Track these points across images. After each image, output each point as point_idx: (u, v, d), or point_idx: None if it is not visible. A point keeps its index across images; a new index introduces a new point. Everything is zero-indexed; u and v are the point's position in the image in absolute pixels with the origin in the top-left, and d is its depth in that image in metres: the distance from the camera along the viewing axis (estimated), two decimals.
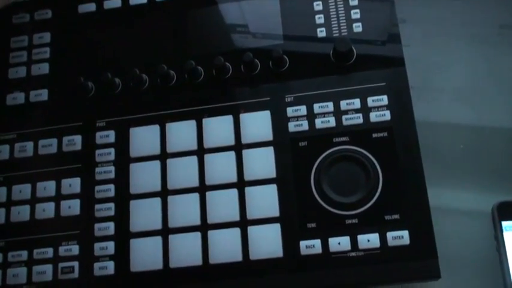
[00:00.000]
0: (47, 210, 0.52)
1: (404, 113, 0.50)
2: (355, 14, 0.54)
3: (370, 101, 0.51)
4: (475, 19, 0.62)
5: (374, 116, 0.50)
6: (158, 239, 0.50)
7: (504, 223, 0.49)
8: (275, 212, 0.49)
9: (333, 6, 0.54)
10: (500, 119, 0.57)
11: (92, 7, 0.57)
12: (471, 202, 0.52)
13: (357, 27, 0.53)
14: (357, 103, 0.51)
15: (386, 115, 0.50)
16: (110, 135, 0.53)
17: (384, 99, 0.51)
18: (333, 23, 0.54)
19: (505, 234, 0.49)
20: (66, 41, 0.57)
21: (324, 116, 0.51)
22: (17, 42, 0.57)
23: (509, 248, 0.48)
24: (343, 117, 0.51)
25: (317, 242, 0.48)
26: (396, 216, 0.47)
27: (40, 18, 0.58)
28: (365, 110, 0.51)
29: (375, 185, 0.48)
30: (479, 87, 0.58)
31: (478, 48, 0.60)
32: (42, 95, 0.56)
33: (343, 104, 0.51)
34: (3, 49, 0.57)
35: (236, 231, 0.49)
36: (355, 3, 0.54)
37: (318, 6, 0.54)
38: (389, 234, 0.47)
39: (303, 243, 0.48)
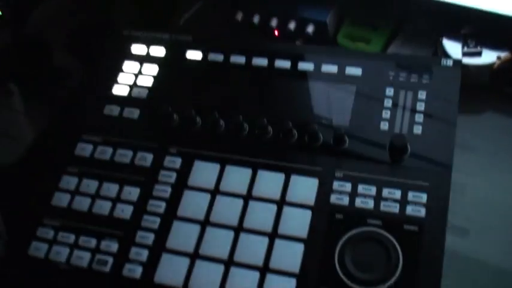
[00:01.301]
0: (103, 207, 0.59)
1: (438, 215, 0.54)
2: (419, 117, 0.59)
3: (411, 195, 0.55)
4: None
5: (410, 209, 0.54)
6: (186, 260, 0.55)
7: None
8: (295, 268, 0.53)
9: (401, 106, 0.60)
10: None
11: (198, 55, 0.68)
12: None
13: (417, 129, 0.58)
14: (397, 194, 0.55)
15: (422, 212, 0.54)
16: (177, 162, 0.61)
17: (423, 197, 0.55)
18: (397, 120, 0.59)
19: None
20: (168, 77, 0.67)
21: (365, 197, 0.56)
22: (129, 67, 0.68)
23: None
24: (382, 203, 0.55)
25: None
26: None
27: (154, 54, 0.69)
28: (403, 201, 0.55)
29: (393, 272, 0.51)
30: None
31: None
32: (134, 113, 0.65)
33: (385, 192, 0.56)
34: (117, 67, 0.68)
35: (255, 275, 0.53)
36: (422, 108, 0.60)
37: (387, 103, 0.61)
38: None
39: None
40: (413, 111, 0.60)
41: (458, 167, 0.59)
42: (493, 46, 0.66)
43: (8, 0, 0.79)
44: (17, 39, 0.78)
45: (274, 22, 0.72)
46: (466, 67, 0.64)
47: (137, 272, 0.55)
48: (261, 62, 0.66)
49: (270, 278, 0.53)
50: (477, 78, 0.65)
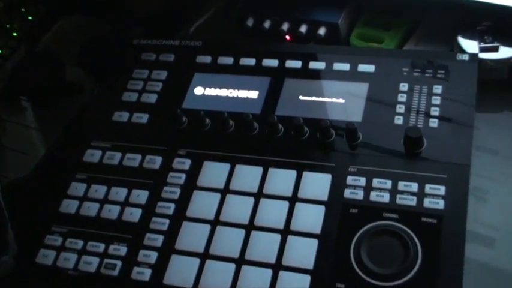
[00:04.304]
0: (112, 211, 0.61)
1: (458, 208, 0.54)
2: (434, 111, 0.60)
3: (428, 188, 0.56)
4: None
5: (428, 202, 0.55)
6: (196, 261, 0.56)
7: None
8: (309, 264, 0.54)
9: (416, 101, 0.61)
10: None
11: (207, 59, 0.70)
12: None
13: (433, 123, 0.60)
14: (414, 187, 0.56)
15: (440, 204, 0.54)
16: (186, 163, 0.62)
17: (442, 190, 0.55)
18: (412, 114, 0.61)
19: None
20: (178, 80, 0.69)
21: (380, 191, 0.56)
22: (139, 74, 0.71)
23: None
24: (398, 196, 0.56)
25: None
26: None
27: (164, 59, 0.72)
28: (420, 194, 0.55)
29: (412, 265, 0.52)
30: None
31: None
32: (143, 118, 0.67)
33: (401, 185, 0.56)
34: (127, 76, 0.71)
35: (268, 272, 0.54)
36: (437, 102, 0.61)
37: (402, 98, 0.62)
38: None
39: None
40: (429, 105, 0.61)
41: (478, 170, 0.60)
42: (511, 41, 0.67)
43: (24, 23, 0.84)
44: (29, 56, 0.82)
45: (285, 26, 0.74)
46: (484, 63, 0.65)
47: (146, 274, 0.56)
48: (271, 63, 0.68)
49: (283, 275, 0.54)
50: (495, 74, 0.66)
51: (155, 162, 0.63)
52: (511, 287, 0.56)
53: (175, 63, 0.71)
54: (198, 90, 0.68)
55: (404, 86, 0.63)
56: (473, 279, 0.54)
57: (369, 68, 0.65)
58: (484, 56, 0.65)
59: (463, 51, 0.67)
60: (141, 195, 0.61)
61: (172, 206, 0.60)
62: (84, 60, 0.81)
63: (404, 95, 0.62)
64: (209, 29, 0.79)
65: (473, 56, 0.64)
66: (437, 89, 0.62)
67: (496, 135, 0.65)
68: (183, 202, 0.60)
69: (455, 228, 0.53)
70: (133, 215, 0.60)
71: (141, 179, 0.62)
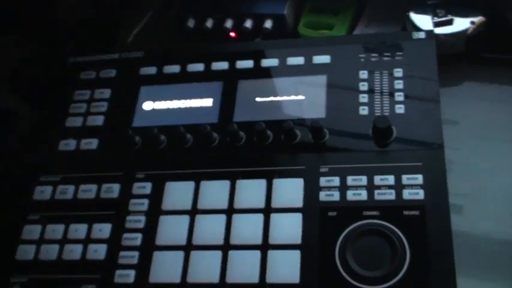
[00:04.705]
0: (74, 251, 0.56)
1: (438, 194, 0.52)
2: (399, 96, 0.58)
3: (405, 178, 0.54)
4: None
5: (407, 194, 0.53)
6: None
7: None
8: (295, 278, 0.51)
9: (379, 88, 0.59)
10: None
11: (152, 70, 0.66)
12: None
13: (399, 109, 0.57)
14: (390, 179, 0.54)
15: (420, 194, 0.52)
16: (147, 187, 0.58)
17: (419, 179, 0.53)
18: (376, 102, 0.58)
19: None
20: (124, 97, 0.65)
21: (356, 189, 0.54)
22: (80, 95, 0.66)
23: None
24: (376, 191, 0.54)
25: None
26: None
27: (105, 76, 0.67)
28: (398, 187, 0.53)
29: (401, 262, 0.50)
30: None
31: None
32: (92, 143, 0.62)
33: (377, 179, 0.54)
34: (67, 99, 0.66)
35: None
36: (400, 86, 0.59)
37: (363, 86, 0.59)
38: None
39: None
40: (392, 90, 0.59)
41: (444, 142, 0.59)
42: (464, 12, 0.65)
43: None
44: None
45: (229, 23, 0.71)
46: (439, 38, 0.63)
47: None
48: (221, 65, 0.64)
49: None
50: (452, 48, 0.64)
51: (113, 190, 0.59)
52: (481, 251, 0.56)
53: (118, 79, 0.67)
54: (147, 105, 0.64)
55: (364, 74, 0.60)
56: None
57: (325, 59, 0.62)
58: (438, 30, 0.64)
59: (416, 28, 0.65)
60: (104, 229, 0.57)
61: (139, 236, 0.56)
62: (17, 85, 0.76)
63: (366, 83, 0.60)
64: (148, 35, 0.74)
65: (430, 33, 0.62)
66: (398, 72, 0.60)
67: (455, 106, 0.64)
68: (150, 230, 0.56)
69: (439, 217, 0.51)
70: (98, 252, 0.56)
71: (101, 211, 0.58)
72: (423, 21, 0.64)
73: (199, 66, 0.65)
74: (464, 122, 0.64)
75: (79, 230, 0.57)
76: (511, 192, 0.59)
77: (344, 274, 0.50)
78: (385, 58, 0.61)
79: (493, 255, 0.56)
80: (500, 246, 0.56)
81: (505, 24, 0.66)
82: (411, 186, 0.53)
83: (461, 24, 0.63)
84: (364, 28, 0.69)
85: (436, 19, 0.64)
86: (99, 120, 0.64)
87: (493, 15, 0.65)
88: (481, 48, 0.66)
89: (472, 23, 0.63)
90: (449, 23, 0.64)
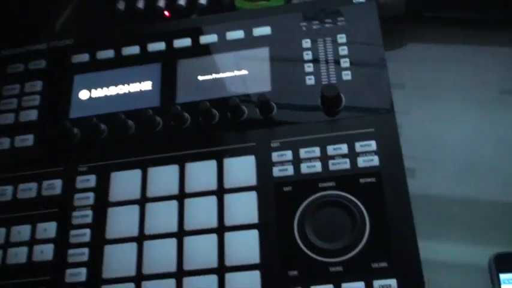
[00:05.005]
0: (19, 255, 0.53)
1: (393, 159, 0.52)
2: (345, 62, 0.57)
3: (358, 146, 0.53)
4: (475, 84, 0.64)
5: (361, 161, 0.52)
6: (131, 286, 0.50)
7: (502, 276, 0.48)
8: (255, 258, 0.50)
9: (324, 56, 0.58)
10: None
11: (85, 57, 0.62)
12: (467, 255, 0.52)
13: (346, 75, 0.56)
14: (344, 148, 0.53)
15: (375, 160, 0.52)
16: (91, 180, 0.56)
17: (372, 145, 0.52)
18: (322, 71, 0.57)
19: None
20: (57, 88, 0.62)
21: (310, 161, 0.53)
22: (9, 90, 0.62)
23: None
24: (330, 162, 0.52)
25: None
26: (384, 264, 0.48)
27: (34, 68, 0.63)
28: (352, 155, 0.52)
29: (362, 232, 0.49)
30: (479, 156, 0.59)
31: (478, 114, 0.61)
32: (28, 140, 0.59)
33: (330, 149, 0.53)
34: None
35: (213, 279, 0.49)
36: (345, 52, 0.57)
37: (307, 55, 0.58)
38: (376, 283, 0.47)
39: None
40: (337, 57, 0.58)
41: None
42: None
43: None
44: None
45: (161, 2, 0.68)
46: (379, 0, 0.62)
47: None
48: (158, 46, 0.62)
49: (230, 277, 0.49)
50: (393, 10, 0.64)
51: (55, 186, 0.56)
52: (438, 212, 0.56)
53: (49, 70, 0.63)
54: (83, 94, 0.60)
55: (307, 43, 0.59)
56: None
57: (265, 30, 0.60)
58: None
59: None
60: (49, 228, 0.54)
61: (88, 231, 0.53)
62: None
63: (310, 52, 0.58)
64: (77, 22, 0.70)
65: None
66: (342, 38, 0.58)
67: (400, 69, 0.64)
68: (98, 224, 0.53)
69: (396, 182, 0.51)
70: (45, 252, 0.53)
71: (44, 209, 0.55)
72: None
73: (134, 49, 0.62)
74: (411, 85, 0.64)
75: (22, 231, 0.54)
76: (462, 151, 0.59)
77: (304, 249, 0.49)
78: (327, 25, 0.60)
79: (451, 215, 0.56)
80: (457, 205, 0.56)
81: None
82: (365, 153, 0.52)
83: None
84: None
85: None
86: (32, 115, 0.61)
87: None
88: (422, 8, 0.65)
89: None
90: None
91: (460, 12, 0.65)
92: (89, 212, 0.54)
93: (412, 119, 0.61)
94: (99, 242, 0.53)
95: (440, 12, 0.65)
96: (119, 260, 0.52)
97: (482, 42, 0.66)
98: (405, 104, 0.61)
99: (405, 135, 0.57)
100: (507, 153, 0.58)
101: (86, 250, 0.53)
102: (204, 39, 0.61)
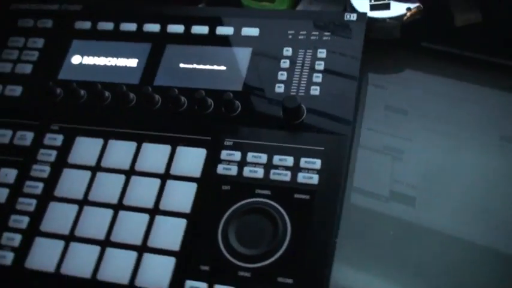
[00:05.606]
0: None
1: (332, 182, 0.52)
2: (317, 77, 0.57)
3: (303, 161, 0.53)
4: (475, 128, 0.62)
5: (301, 177, 0.53)
6: (60, 243, 0.53)
7: None
8: (175, 246, 0.52)
9: (299, 67, 0.58)
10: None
11: (87, 25, 0.66)
12: None
13: (314, 90, 0.57)
14: (289, 161, 0.54)
15: (314, 179, 0.52)
16: (58, 139, 0.59)
17: (317, 163, 0.53)
18: (293, 81, 0.58)
19: None
20: (54, 49, 0.66)
21: (254, 166, 0.54)
22: (14, 42, 0.67)
23: None
24: (272, 171, 0.53)
25: (203, 286, 0.49)
26: (289, 281, 0.48)
27: (41, 26, 0.67)
28: (295, 169, 0.53)
29: (280, 245, 0.50)
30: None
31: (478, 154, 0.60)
32: (16, 91, 0.63)
33: (276, 159, 0.54)
34: (1, 44, 0.67)
35: (133, 255, 0.52)
36: (321, 67, 0.58)
37: (284, 64, 0.59)
38: None
39: (188, 283, 0.50)
40: (312, 71, 0.58)
41: (391, 130, 0.60)
42: None
43: None
44: None
45: None
46: (377, 22, 0.62)
47: (8, 258, 0.54)
48: (153, 28, 0.64)
49: (147, 257, 0.52)
50: (388, 33, 0.63)
51: (26, 138, 0.60)
52: (434, 244, 0.55)
53: (53, 30, 0.67)
54: (76, 59, 0.64)
55: (288, 51, 0.60)
56: (400, 238, 0.54)
57: (253, 31, 0.62)
58: (373, 14, 0.62)
59: (353, 10, 0.63)
60: (9, 174, 0.58)
61: (41, 185, 0.57)
62: None
63: (287, 61, 0.59)
64: None
65: (361, 16, 0.61)
66: (322, 53, 0.59)
67: (403, 95, 0.64)
68: (51, 181, 0.57)
69: (327, 204, 0.51)
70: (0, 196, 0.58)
71: (11, 156, 0.59)
72: (361, 3, 0.63)
73: (132, 26, 0.65)
74: (412, 112, 0.63)
75: None
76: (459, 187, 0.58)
77: (222, 248, 0.50)
78: (312, 37, 0.60)
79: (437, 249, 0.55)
80: (445, 242, 0.55)
81: (443, 14, 0.64)
82: (307, 169, 0.53)
83: (397, 9, 0.62)
84: (307, 4, 0.68)
85: (373, 2, 0.63)
86: (27, 69, 0.65)
87: (431, 4, 0.63)
88: (418, 37, 0.65)
89: (409, 9, 0.62)
90: (386, 7, 0.62)
91: (459, 50, 0.64)
92: (47, 168, 0.58)
93: (414, 146, 0.60)
94: (47, 197, 0.56)
95: (436, 45, 0.64)
96: (58, 217, 0.55)
97: (482, 83, 0.64)
98: (407, 129, 0.61)
99: (407, 161, 0.59)
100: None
101: (33, 201, 0.56)
102: (196, 29, 0.63)
